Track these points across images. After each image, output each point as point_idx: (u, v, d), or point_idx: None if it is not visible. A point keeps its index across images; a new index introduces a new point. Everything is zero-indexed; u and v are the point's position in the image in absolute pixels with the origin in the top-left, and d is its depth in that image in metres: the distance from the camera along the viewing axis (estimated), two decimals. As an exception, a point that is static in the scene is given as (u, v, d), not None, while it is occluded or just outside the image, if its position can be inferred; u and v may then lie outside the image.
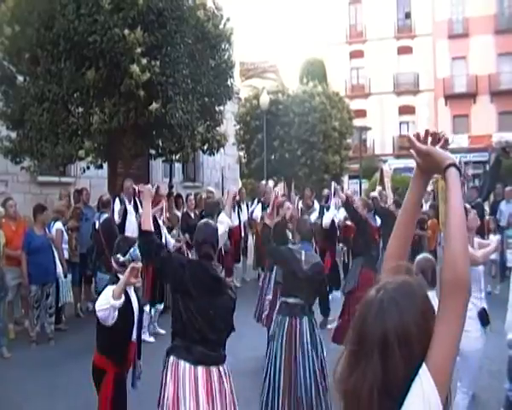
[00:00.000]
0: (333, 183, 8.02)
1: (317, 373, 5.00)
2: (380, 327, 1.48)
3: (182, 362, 3.87)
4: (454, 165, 1.70)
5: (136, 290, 4.59)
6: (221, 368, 3.98)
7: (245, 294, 9.62)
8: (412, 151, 1.90)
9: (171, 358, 3.93)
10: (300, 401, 4.93)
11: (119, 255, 4.40)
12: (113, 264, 4.50)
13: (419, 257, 4.78)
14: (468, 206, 5.33)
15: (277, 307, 5.52)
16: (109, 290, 4.03)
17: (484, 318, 4.91)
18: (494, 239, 5.46)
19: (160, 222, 9.78)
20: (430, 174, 1.95)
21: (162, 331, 9.01)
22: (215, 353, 3.96)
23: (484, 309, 4.95)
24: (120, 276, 4.20)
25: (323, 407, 4.96)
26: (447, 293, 1.54)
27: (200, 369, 3.86)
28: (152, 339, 8.98)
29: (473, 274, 4.92)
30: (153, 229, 4.16)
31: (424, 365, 1.46)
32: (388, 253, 1.95)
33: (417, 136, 1.89)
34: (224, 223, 5.06)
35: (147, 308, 8.89)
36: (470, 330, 4.86)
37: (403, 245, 1.97)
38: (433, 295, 4.14)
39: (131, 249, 4.34)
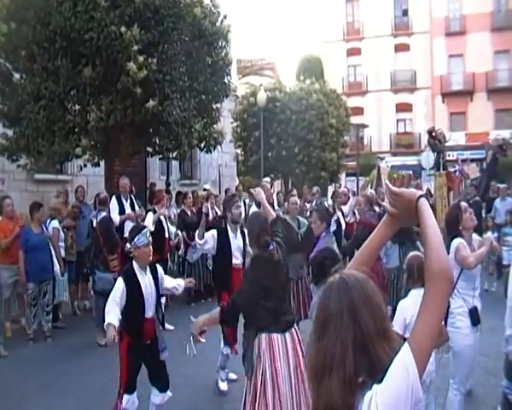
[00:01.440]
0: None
1: None
2: (346, 295, 1.70)
3: (273, 335, 4.25)
4: (423, 196, 1.96)
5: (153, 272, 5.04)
6: (293, 330, 4.37)
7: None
8: (387, 199, 2.10)
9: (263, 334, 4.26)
10: None
11: (127, 244, 5.03)
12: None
13: (411, 254, 4.77)
14: (464, 204, 5.33)
15: None
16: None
17: (474, 316, 4.91)
18: (488, 238, 5.46)
19: (162, 217, 9.86)
20: (399, 221, 2.12)
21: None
22: (287, 318, 4.38)
23: (475, 308, 4.94)
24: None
25: None
26: (433, 283, 1.74)
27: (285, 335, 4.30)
28: None
29: (468, 273, 4.93)
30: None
31: (406, 344, 1.63)
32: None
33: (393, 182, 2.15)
34: None
35: None
36: (461, 327, 4.90)
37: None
38: (419, 294, 4.16)
39: (136, 237, 4.84)
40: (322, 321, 1.73)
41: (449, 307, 4.90)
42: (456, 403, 4.96)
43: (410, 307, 3.99)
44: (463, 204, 5.35)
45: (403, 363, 1.59)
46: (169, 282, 5.29)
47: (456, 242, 4.96)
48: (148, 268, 4.99)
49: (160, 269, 5.13)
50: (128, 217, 9.99)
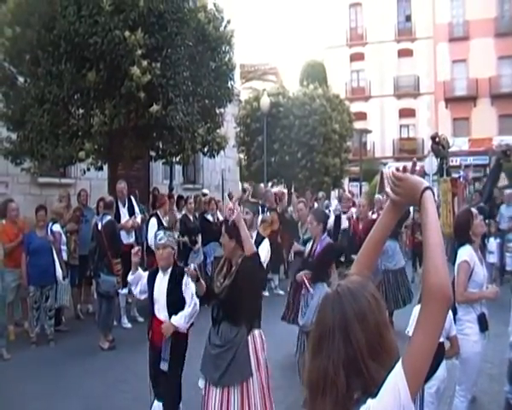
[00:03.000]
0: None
1: None
2: (338, 311, 1.65)
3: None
4: (429, 188, 1.84)
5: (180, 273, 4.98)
6: None
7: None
8: (388, 184, 2.00)
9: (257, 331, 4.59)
10: None
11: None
12: None
13: None
14: (475, 211, 5.30)
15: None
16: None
17: (483, 322, 4.89)
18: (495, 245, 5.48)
19: (164, 221, 9.90)
20: (402, 206, 2.04)
21: (140, 319, 9.62)
22: None
23: (483, 314, 4.92)
24: None
25: None
26: (429, 299, 1.63)
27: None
28: (129, 325, 9.68)
29: (476, 279, 4.88)
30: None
31: (400, 365, 1.57)
32: (354, 270, 2.06)
33: (404, 169, 1.98)
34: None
35: (122, 291, 9.42)
36: (469, 334, 4.86)
37: (369, 266, 2.10)
38: None
39: (155, 238, 5.02)
40: (317, 338, 1.70)
41: (456, 313, 4.89)
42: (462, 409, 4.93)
43: None
44: (474, 210, 5.32)
45: (395, 385, 1.55)
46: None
47: (463, 255, 4.90)
48: (169, 271, 4.97)
49: (186, 278, 4.87)
50: (123, 226, 9.92)
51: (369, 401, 1.57)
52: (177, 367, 4.92)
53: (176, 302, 4.87)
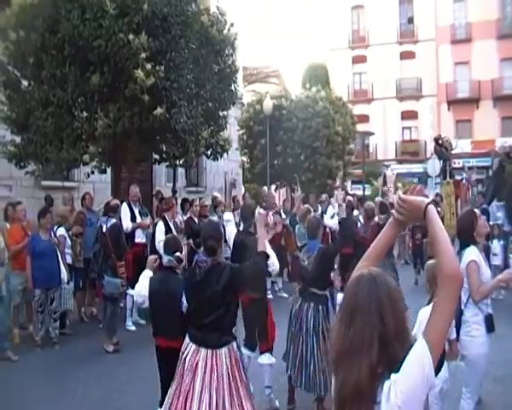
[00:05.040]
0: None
1: (316, 354, 5.71)
2: (375, 293, 1.90)
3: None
4: (430, 203, 2.13)
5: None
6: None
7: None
8: (397, 205, 2.25)
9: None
10: (301, 374, 5.77)
11: (164, 256, 5.08)
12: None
13: (431, 263, 4.76)
14: (478, 212, 5.29)
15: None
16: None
17: (490, 323, 4.88)
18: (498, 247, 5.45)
19: (171, 224, 9.93)
20: (405, 224, 2.40)
21: (142, 322, 9.59)
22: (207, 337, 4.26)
23: (490, 315, 4.92)
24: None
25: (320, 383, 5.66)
26: (447, 282, 1.94)
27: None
28: (133, 327, 9.69)
29: (482, 279, 4.85)
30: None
31: (422, 340, 1.84)
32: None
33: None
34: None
35: (130, 292, 9.15)
36: (476, 336, 4.84)
37: None
38: None
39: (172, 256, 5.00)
40: (349, 312, 1.91)
41: (462, 314, 4.88)
42: None
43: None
44: (477, 211, 5.31)
45: (419, 356, 1.80)
46: None
47: (470, 256, 4.86)
48: None
49: None
50: (141, 225, 10.08)
51: (393, 375, 1.79)
52: None
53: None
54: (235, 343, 4.35)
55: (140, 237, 10.20)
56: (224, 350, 4.23)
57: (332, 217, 11.18)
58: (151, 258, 5.23)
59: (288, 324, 6.14)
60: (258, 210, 5.56)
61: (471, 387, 4.95)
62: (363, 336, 1.84)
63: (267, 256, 4.37)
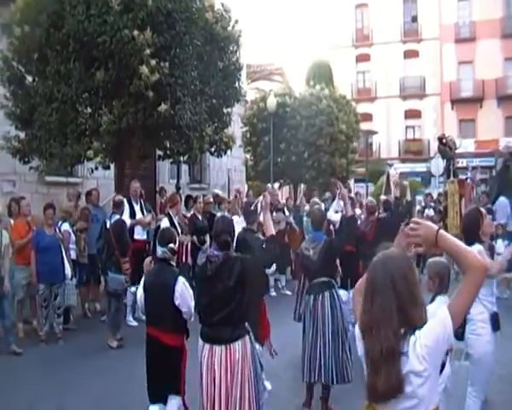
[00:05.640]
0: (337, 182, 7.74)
1: (336, 343, 5.78)
2: (388, 272, 2.34)
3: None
4: (440, 228, 2.41)
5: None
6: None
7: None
8: (411, 230, 2.48)
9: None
10: (320, 368, 5.78)
11: (158, 247, 5.00)
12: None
13: (433, 260, 4.73)
14: (484, 211, 5.24)
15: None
16: None
17: (495, 322, 4.86)
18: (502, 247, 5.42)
19: (175, 220, 9.92)
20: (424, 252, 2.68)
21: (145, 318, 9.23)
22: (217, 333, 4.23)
23: (496, 313, 4.89)
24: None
25: (342, 373, 5.76)
26: (470, 272, 2.28)
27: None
28: (135, 323, 9.65)
29: (487, 278, 4.82)
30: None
31: (446, 309, 2.27)
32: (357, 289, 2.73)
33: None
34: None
35: (131, 289, 9.29)
36: (482, 334, 4.82)
37: None
38: (444, 301, 4.16)
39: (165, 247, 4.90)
40: (370, 292, 2.37)
41: (467, 313, 4.84)
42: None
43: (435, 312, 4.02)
44: (483, 210, 5.25)
45: (442, 318, 2.26)
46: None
47: (476, 249, 4.82)
48: None
49: (178, 282, 4.77)
50: (139, 222, 10.09)
51: (417, 332, 2.26)
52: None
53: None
54: (247, 337, 4.32)
55: (139, 234, 10.19)
56: (237, 344, 4.21)
57: (336, 212, 11.13)
58: (147, 260, 5.21)
59: (302, 330, 6.14)
60: (265, 192, 5.49)
61: (477, 386, 4.92)
62: (384, 310, 2.29)
63: (276, 241, 4.41)
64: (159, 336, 4.75)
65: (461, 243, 2.35)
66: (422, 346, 2.22)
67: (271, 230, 4.47)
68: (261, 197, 5.09)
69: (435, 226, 2.40)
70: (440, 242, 2.34)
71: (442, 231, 2.37)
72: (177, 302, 4.60)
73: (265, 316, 6.32)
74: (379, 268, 2.38)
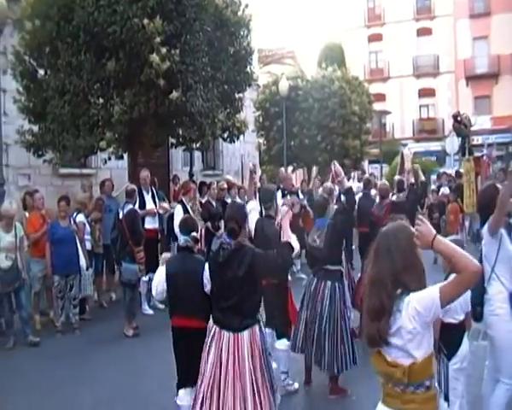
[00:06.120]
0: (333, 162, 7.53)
1: (333, 332, 5.85)
2: (386, 242, 2.80)
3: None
4: (437, 235, 2.66)
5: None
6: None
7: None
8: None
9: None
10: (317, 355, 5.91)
11: (180, 236, 4.99)
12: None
13: (452, 239, 4.62)
14: (500, 187, 5.03)
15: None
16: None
17: None
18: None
19: (189, 207, 9.97)
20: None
21: (161, 306, 9.24)
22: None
23: None
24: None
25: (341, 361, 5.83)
26: (462, 272, 2.56)
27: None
28: (151, 311, 9.73)
29: (505, 255, 4.66)
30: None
31: (437, 288, 2.61)
32: None
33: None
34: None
35: (144, 278, 9.44)
36: (501, 314, 4.62)
37: None
38: None
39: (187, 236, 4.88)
40: (374, 256, 2.83)
41: (485, 292, 4.71)
42: (504, 399, 4.61)
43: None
44: (499, 186, 4.97)
45: (431, 293, 2.62)
46: None
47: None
48: None
49: (206, 269, 4.68)
50: (148, 212, 10.07)
51: (412, 294, 2.65)
52: None
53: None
54: (257, 327, 4.32)
55: (150, 224, 10.14)
56: (245, 333, 4.21)
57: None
58: (164, 255, 5.18)
59: (300, 306, 6.18)
60: (282, 206, 5.50)
61: (506, 371, 4.61)
62: (381, 273, 2.74)
63: (291, 248, 4.32)
64: (185, 322, 4.70)
65: (456, 247, 2.60)
66: (413, 308, 2.62)
67: (288, 236, 4.37)
68: (285, 207, 5.08)
69: (434, 232, 2.63)
70: (436, 246, 2.62)
71: (439, 237, 2.64)
72: (206, 289, 4.54)
73: (292, 302, 6.34)
74: (381, 238, 2.85)
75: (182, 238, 4.91)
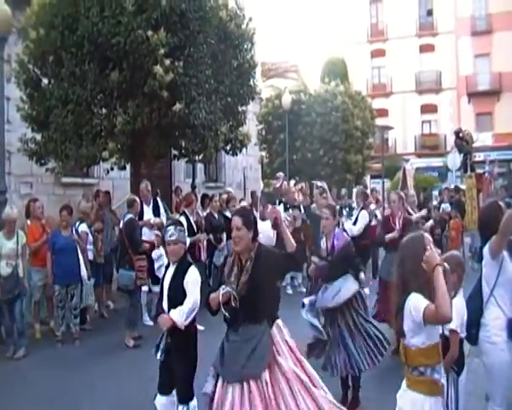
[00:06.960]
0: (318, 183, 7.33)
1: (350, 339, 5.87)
2: (402, 252, 3.45)
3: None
4: (439, 265, 3.17)
5: None
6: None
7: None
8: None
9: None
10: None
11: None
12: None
13: (450, 254, 4.57)
14: (503, 205, 4.95)
15: None
16: None
17: None
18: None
19: (191, 219, 9.91)
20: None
21: None
22: None
23: None
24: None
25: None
26: (438, 318, 3.15)
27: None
28: (151, 323, 9.34)
29: (506, 278, 4.53)
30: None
31: (424, 305, 3.15)
32: None
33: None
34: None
35: (144, 288, 9.37)
36: (497, 342, 4.45)
37: None
38: (462, 294, 4.14)
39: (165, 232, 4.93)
40: (396, 264, 3.48)
41: (482, 316, 4.55)
42: None
43: (463, 305, 4.34)
44: (502, 204, 4.88)
45: (418, 309, 3.17)
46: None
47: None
48: (176, 264, 4.85)
49: (190, 273, 4.75)
50: (144, 224, 9.95)
51: (412, 294, 3.25)
52: (182, 363, 4.88)
53: (176, 296, 4.72)
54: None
55: (146, 235, 9.77)
56: (274, 329, 4.25)
57: (355, 223, 10.96)
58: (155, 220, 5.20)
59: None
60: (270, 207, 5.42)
61: (497, 398, 4.51)
62: (397, 279, 3.42)
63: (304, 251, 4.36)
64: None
65: (445, 287, 3.06)
66: (408, 308, 3.27)
67: (292, 244, 4.32)
68: (271, 207, 5.05)
69: (438, 261, 3.13)
70: (434, 273, 3.09)
71: (439, 268, 3.11)
72: (185, 287, 4.64)
73: None
74: (400, 248, 3.49)
75: None
